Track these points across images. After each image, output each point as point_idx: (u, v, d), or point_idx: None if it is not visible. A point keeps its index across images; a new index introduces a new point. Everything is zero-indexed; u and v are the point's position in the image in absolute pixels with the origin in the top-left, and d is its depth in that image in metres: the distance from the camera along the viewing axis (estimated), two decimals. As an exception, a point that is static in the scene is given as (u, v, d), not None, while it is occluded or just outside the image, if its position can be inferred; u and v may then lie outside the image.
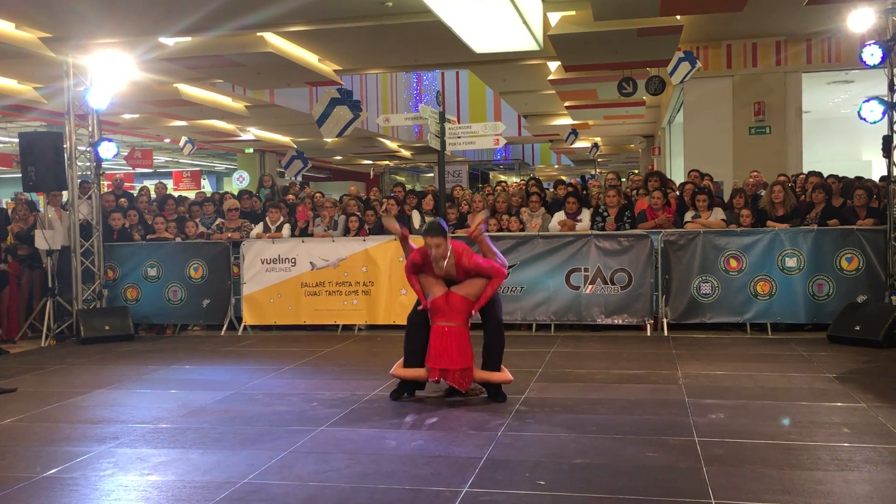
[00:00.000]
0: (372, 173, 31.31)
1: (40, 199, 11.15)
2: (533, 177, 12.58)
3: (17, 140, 13.68)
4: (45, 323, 10.03)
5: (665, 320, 9.38)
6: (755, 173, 11.47)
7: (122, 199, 11.85)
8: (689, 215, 9.78)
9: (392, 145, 26.87)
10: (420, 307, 6.38)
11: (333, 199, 11.66)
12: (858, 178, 11.52)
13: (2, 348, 9.33)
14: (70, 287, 10.31)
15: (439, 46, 11.20)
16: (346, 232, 10.46)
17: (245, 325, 10.33)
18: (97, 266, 10.49)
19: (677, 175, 16.31)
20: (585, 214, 10.05)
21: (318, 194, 13.21)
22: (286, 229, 10.59)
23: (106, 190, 12.82)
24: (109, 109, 11.74)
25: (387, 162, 33.19)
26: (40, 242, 10.09)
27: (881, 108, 8.92)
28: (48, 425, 5.93)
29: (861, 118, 9.11)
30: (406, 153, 29.56)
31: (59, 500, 4.32)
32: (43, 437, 5.57)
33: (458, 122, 11.47)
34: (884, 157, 9.09)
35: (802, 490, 4.16)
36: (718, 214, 9.65)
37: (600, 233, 9.66)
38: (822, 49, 12.95)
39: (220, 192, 17.15)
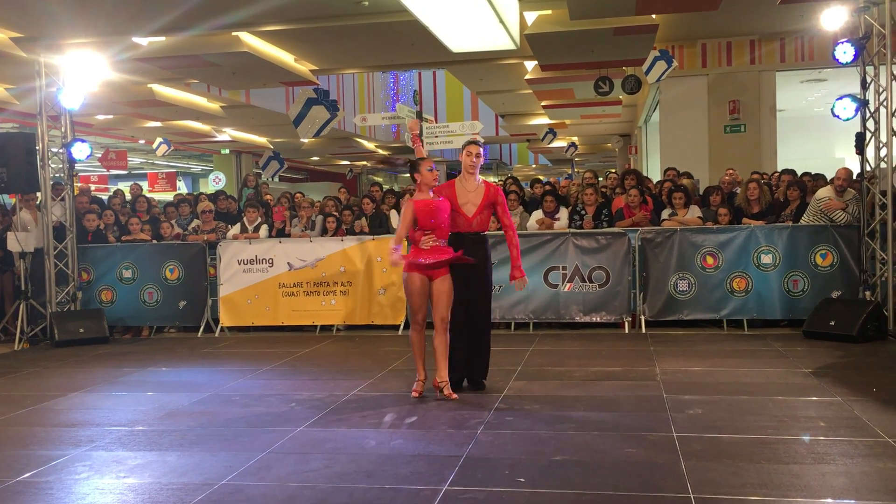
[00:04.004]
0: (349, 174, 31.19)
1: (13, 202, 10.97)
2: (511, 176, 12.59)
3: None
4: (18, 326, 9.88)
5: (643, 318, 9.42)
6: (731, 171, 11.56)
7: (93, 206, 11.70)
8: (665, 213, 9.83)
9: (369, 145, 26.80)
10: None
11: (311, 200, 11.61)
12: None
13: (-26, 352, 9.21)
14: (43, 290, 10.17)
15: (416, 46, 11.19)
16: (324, 232, 10.42)
17: (222, 327, 10.25)
18: (71, 268, 10.37)
19: (654, 174, 16.41)
20: (563, 213, 10.08)
21: (298, 194, 13.14)
22: (263, 230, 10.53)
23: (78, 192, 12.66)
24: (83, 110, 11.62)
25: (364, 162, 33.10)
26: (13, 245, 9.96)
27: (854, 105, 9.02)
28: (22, 429, 5.85)
29: (834, 115, 9.20)
30: (383, 153, 29.49)
31: (34, 504, 4.26)
32: (17, 442, 5.49)
33: (436, 122, 11.47)
34: (857, 154, 9.19)
35: (780, 483, 4.19)
36: (695, 212, 9.71)
37: (578, 231, 9.69)
38: (796, 48, 13.08)
39: (196, 192, 17.01)
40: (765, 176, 11.54)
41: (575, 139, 26.43)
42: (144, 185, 25.15)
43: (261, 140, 23.29)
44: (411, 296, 6.30)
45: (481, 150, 6.60)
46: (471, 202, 6.43)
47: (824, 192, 9.23)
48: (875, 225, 8.88)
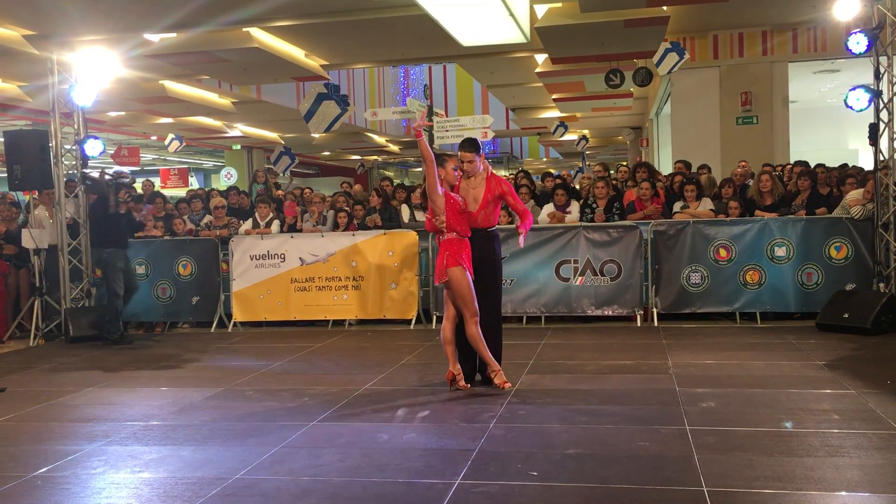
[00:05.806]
0: (360, 169, 31.23)
1: (27, 199, 11.03)
2: (522, 169, 12.57)
3: (1, 139, 13.58)
4: (34, 322, 9.96)
5: (655, 310, 9.39)
6: (743, 163, 11.51)
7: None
8: (677, 206, 9.80)
9: (380, 140, 26.84)
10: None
11: (322, 195, 11.63)
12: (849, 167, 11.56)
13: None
14: (58, 286, 10.24)
15: (426, 40, 11.19)
16: (335, 227, 10.44)
17: (235, 322, 10.29)
18: (85, 265, 10.43)
19: (665, 166, 16.35)
20: (574, 206, 10.05)
21: (307, 190, 13.17)
22: (275, 225, 10.56)
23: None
24: (95, 107, 11.67)
25: (375, 157, 33.15)
26: (27, 241, 10.01)
27: (867, 96, 8.95)
28: (38, 424, 5.89)
29: (848, 106, 9.14)
30: (394, 148, 29.53)
31: (51, 498, 4.30)
32: (33, 437, 5.54)
33: (446, 116, 11.46)
34: (870, 145, 9.13)
35: (793, 476, 4.17)
36: (707, 204, 9.67)
37: (589, 224, 9.66)
38: (808, 38, 13.00)
39: (208, 188, 17.09)
40: (777, 168, 11.48)
41: (586, 132, 26.36)
42: (157, 181, 25.28)
43: (272, 135, 23.37)
44: (468, 288, 6.20)
45: (475, 155, 6.39)
46: (473, 199, 6.37)
47: (853, 195, 9.17)
48: (889, 216, 8.82)
